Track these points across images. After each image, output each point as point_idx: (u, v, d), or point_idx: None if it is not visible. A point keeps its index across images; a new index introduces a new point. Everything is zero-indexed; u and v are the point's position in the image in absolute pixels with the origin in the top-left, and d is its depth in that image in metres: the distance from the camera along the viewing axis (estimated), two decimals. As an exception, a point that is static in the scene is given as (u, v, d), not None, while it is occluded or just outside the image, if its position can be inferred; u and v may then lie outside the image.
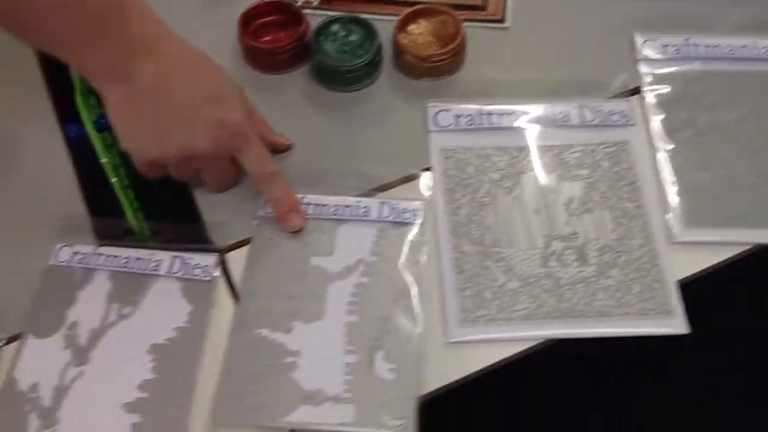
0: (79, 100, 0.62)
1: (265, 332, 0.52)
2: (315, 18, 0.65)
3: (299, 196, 0.58)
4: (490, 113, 0.62)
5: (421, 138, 0.62)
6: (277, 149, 0.60)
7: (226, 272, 0.56)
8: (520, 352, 0.52)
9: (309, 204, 0.58)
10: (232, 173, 0.58)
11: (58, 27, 0.47)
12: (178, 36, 0.52)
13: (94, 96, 0.62)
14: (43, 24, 0.47)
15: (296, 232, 0.56)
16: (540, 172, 0.60)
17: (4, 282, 0.56)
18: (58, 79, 0.65)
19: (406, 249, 0.56)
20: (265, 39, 0.65)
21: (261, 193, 0.57)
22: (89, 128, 0.62)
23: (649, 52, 0.65)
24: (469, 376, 0.51)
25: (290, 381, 0.50)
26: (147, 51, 0.49)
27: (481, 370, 0.52)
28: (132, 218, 0.58)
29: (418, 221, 0.57)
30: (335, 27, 0.65)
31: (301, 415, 0.48)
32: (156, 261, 0.56)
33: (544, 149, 0.61)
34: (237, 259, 0.56)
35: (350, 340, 0.51)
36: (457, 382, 0.51)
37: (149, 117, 0.51)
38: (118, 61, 0.49)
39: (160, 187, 0.58)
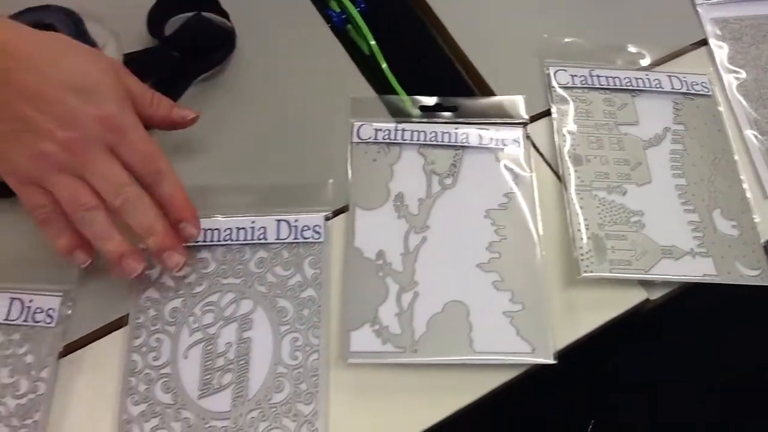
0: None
1: (602, 194, 0.52)
2: None
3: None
4: (753, -14, 0.63)
5: (687, 11, 0.63)
6: (179, 127, 0.50)
7: (531, 142, 0.56)
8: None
9: (599, 77, 0.58)
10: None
11: None
12: (27, 28, 0.44)
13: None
14: None
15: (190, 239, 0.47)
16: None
17: (312, 161, 0.55)
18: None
19: (706, 118, 0.57)
20: None
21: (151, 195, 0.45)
22: (353, 12, 0.60)
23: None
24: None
25: (645, 237, 0.51)
26: None
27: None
28: (406, 99, 0.57)
29: (708, 91, 0.58)
30: None
31: (664, 268, 0.49)
32: (463, 133, 0.56)
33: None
34: (537, 130, 0.57)
35: (686, 200, 0.52)
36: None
37: (8, 127, 0.43)
38: None
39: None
